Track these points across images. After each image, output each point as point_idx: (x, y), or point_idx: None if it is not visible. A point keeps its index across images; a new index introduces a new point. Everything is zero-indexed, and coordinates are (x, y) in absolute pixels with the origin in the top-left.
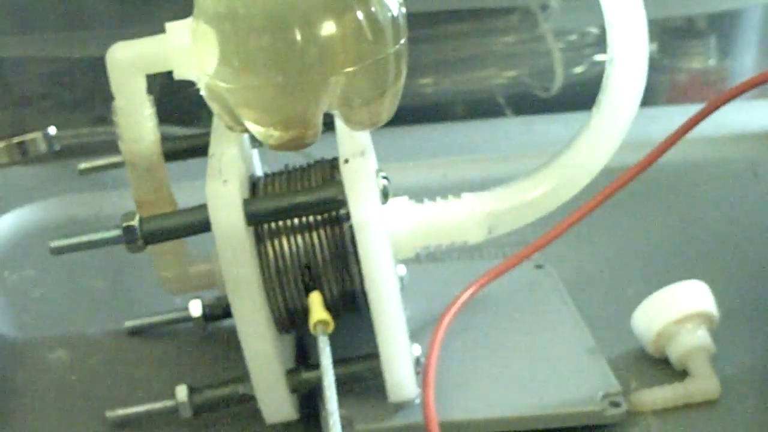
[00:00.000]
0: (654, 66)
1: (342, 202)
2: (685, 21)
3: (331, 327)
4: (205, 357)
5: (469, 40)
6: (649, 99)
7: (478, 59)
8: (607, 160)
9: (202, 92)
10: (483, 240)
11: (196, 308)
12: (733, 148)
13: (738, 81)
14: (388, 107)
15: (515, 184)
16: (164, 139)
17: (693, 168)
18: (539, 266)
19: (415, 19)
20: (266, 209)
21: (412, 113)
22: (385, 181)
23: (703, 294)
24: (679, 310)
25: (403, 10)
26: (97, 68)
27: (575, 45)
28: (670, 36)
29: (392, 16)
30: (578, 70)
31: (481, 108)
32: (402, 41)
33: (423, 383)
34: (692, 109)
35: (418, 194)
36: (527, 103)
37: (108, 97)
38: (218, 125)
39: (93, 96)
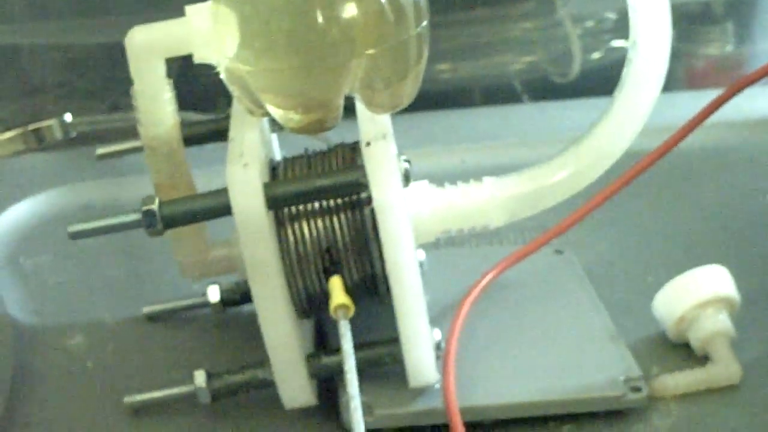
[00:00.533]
0: (672, 52)
1: (364, 186)
2: (702, 6)
3: (352, 311)
4: (223, 342)
5: (486, 26)
6: (666, 85)
7: (495, 45)
8: (629, 144)
9: (222, 75)
10: (504, 224)
11: (214, 294)
12: (754, 133)
13: (756, 66)
14: (409, 90)
15: (536, 168)
16: (184, 123)
17: (713, 153)
18: (559, 252)
19: (432, 5)
20: (287, 193)
21: (430, 99)
22: (406, 165)
23: (724, 278)
24: (700, 294)
25: None
26: (113, 55)
27: (593, 31)
28: (687, 22)
29: None
30: (596, 55)
31: (499, 94)
32: (424, 23)
33: (443, 368)
34: (711, 95)
35: (438, 180)
36: (545, 88)
37: (124, 84)
38: (238, 109)
39: (109, 83)
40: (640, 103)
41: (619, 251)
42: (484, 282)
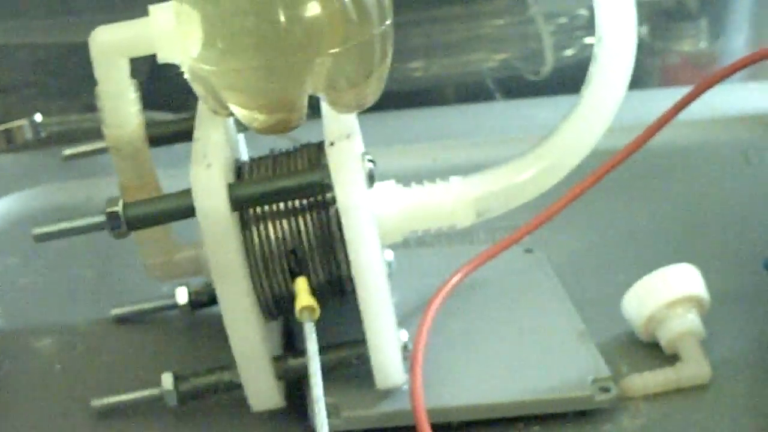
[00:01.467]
0: (644, 49)
1: (328, 186)
2: (675, 3)
3: (318, 313)
4: (191, 344)
5: (458, 23)
6: (639, 82)
7: (467, 42)
8: (596, 142)
9: (186, 75)
10: (471, 224)
11: (182, 295)
12: (725, 130)
13: (729, 63)
14: (374, 89)
15: (504, 167)
16: (149, 124)
17: (683, 151)
18: (529, 250)
19: (403, 3)
20: (251, 194)
21: (402, 97)
22: (371, 165)
23: (693, 278)
24: (669, 293)
25: None
26: (84, 55)
27: (565, 28)
28: (660, 18)
29: None
30: (568, 53)
31: (471, 91)
32: (388, 22)
33: (410, 369)
34: (683, 92)
35: (407, 179)
36: (517, 86)
37: (95, 84)
38: (203, 109)
39: (79, 83)
40: (607, 100)
41: (588, 250)
42: (452, 282)
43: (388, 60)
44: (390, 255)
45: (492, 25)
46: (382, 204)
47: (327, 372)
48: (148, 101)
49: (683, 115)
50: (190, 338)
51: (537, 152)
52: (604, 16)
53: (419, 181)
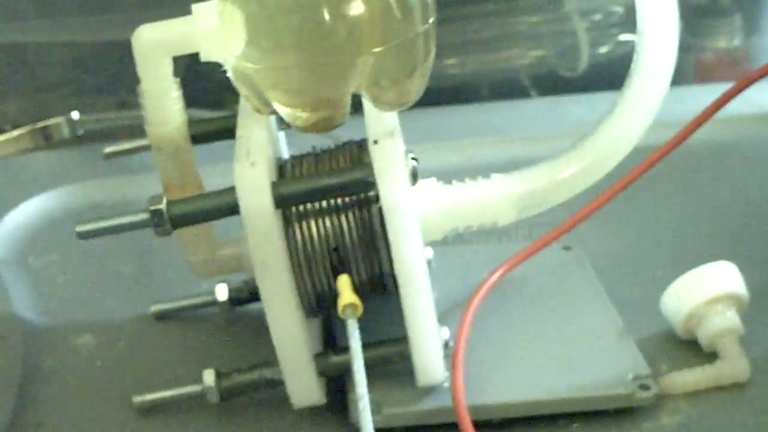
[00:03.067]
0: (679, 46)
1: (371, 184)
2: (709, 0)
3: (360, 310)
4: (231, 341)
5: (494, 20)
6: (675, 79)
7: (503, 39)
8: (638, 139)
9: (229, 74)
10: (513, 221)
11: (222, 292)
12: (763, 127)
13: (764, 59)
14: (416, 87)
15: (545, 164)
16: (191, 122)
17: (722, 148)
18: (567, 248)
19: (437, 1)
20: (295, 192)
21: (438, 94)
22: (414, 163)
23: (732, 275)
24: (708, 291)
25: None
26: (120, 52)
27: (600, 24)
28: (694, 15)
29: None
30: (603, 49)
31: (507, 89)
32: (431, 20)
33: (452, 367)
34: (719, 89)
35: (445, 176)
36: (553, 83)
37: (131, 81)
38: (245, 107)
39: (116, 80)
40: (649, 98)
41: (627, 247)
42: (492, 279)
43: (431, 58)
44: (430, 252)
45: (527, 22)
46: (425, 201)
47: (368, 369)
48: (186, 99)
49: (720, 112)
50: (230, 335)
51: (579, 150)
52: (646, 13)
53: (456, 178)
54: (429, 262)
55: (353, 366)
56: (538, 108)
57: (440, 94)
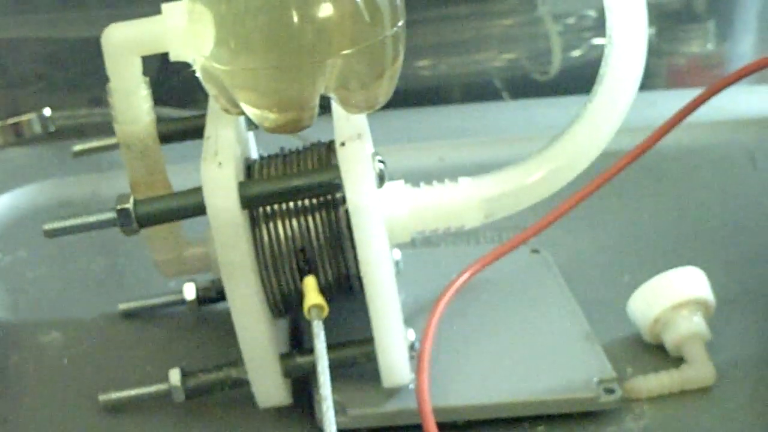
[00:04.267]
0: (652, 50)
1: (338, 186)
2: (683, 4)
3: (326, 311)
4: (198, 340)
5: (467, 23)
6: (647, 83)
7: (475, 42)
8: (605, 144)
9: (198, 74)
10: (479, 225)
11: (190, 291)
12: (732, 133)
13: (737, 65)
14: (385, 90)
15: (513, 168)
16: (160, 120)
17: (691, 153)
18: (535, 251)
19: (412, 1)
20: (262, 193)
21: (409, 96)
22: (381, 165)
23: (699, 280)
24: (675, 296)
25: None
26: (93, 49)
27: (573, 28)
28: (668, 20)
29: None
30: (576, 53)
31: (479, 91)
32: (400, 23)
33: (417, 369)
34: (691, 94)
35: (415, 178)
36: (525, 86)
37: (104, 78)
38: (214, 107)
39: (89, 77)
40: (617, 103)
41: (595, 251)
42: (459, 282)
43: (400, 61)
44: (398, 254)
45: (500, 25)
46: (392, 204)
47: (334, 370)
48: (157, 96)
49: (690, 118)
50: (197, 334)
51: (547, 154)
52: (615, 17)
53: (426, 181)
54: (397, 264)
55: (317, 367)
56: (510, 111)
57: (413, 96)
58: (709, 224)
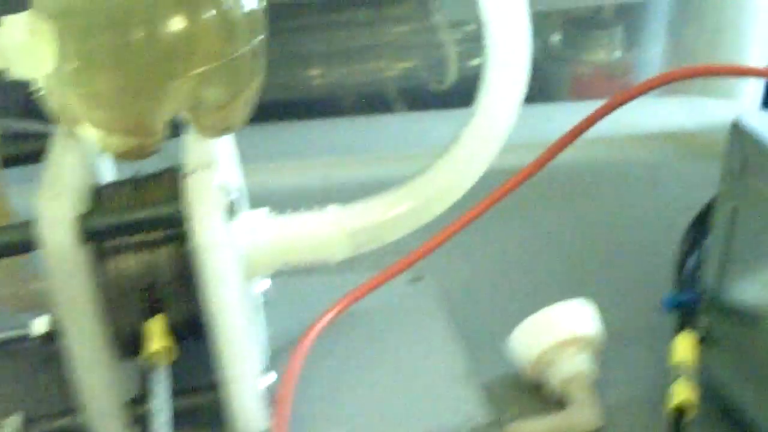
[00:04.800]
0: (556, 58)
1: (184, 220)
2: (589, 11)
3: (173, 355)
4: (48, 379)
5: (359, 30)
6: (549, 94)
7: (369, 50)
8: (484, 170)
9: (41, 93)
10: (348, 256)
11: (40, 325)
12: (633, 149)
13: (645, 73)
14: (241, 111)
15: (383, 198)
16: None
17: (589, 170)
18: (417, 278)
19: (302, 7)
20: (103, 226)
21: (298, 107)
22: (233, 196)
23: (586, 315)
24: (559, 333)
25: (263, 2)
26: None
27: (472, 36)
28: (574, 27)
29: (248, 10)
30: (476, 62)
31: (372, 102)
32: (259, 38)
33: (275, 416)
34: (593, 106)
35: (295, 198)
36: (421, 96)
37: None
38: (59, 129)
39: None
40: (495, 128)
41: (482, 278)
42: (329, 316)
43: (259, 79)
44: (266, 284)
45: (395, 32)
46: (251, 235)
47: (183, 416)
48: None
49: (589, 132)
50: (47, 372)
51: (420, 182)
52: (494, 24)
53: (307, 200)
54: (264, 295)
55: (154, 420)
56: (403, 124)
57: (301, 108)
58: (605, 249)
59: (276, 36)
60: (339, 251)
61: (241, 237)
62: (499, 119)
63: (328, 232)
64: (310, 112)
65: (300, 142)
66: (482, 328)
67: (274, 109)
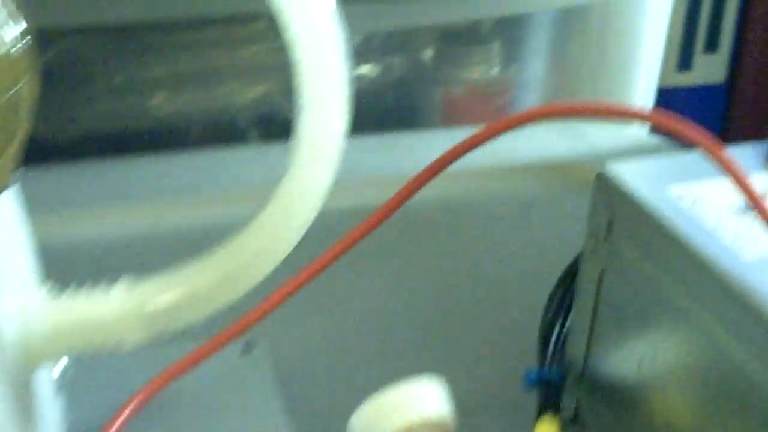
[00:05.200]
0: (428, 78)
1: None
2: (465, 26)
3: None
4: None
5: (208, 51)
6: (421, 118)
7: (218, 73)
8: (306, 227)
9: None
10: (145, 339)
11: None
12: (505, 182)
13: (524, 92)
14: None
15: (185, 269)
16: None
17: (455, 207)
18: (249, 347)
19: (144, 24)
20: None
21: (138, 139)
22: None
23: (435, 396)
24: (401, 419)
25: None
26: None
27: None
28: (449, 42)
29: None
30: None
31: (222, 131)
32: (20, 83)
33: None
34: (467, 133)
35: (114, 250)
36: (278, 125)
37: None
38: None
39: None
40: (315, 176)
41: (326, 344)
42: (139, 398)
43: (23, 132)
44: (63, 362)
45: (249, 52)
46: (25, 322)
47: None
48: None
49: (457, 164)
50: None
51: (226, 250)
52: (307, 74)
53: (137, 248)
54: (64, 374)
55: None
56: (254, 157)
57: (142, 140)
58: (467, 305)
59: (111, 59)
60: (131, 334)
61: (12, 323)
62: (316, 171)
63: (115, 314)
64: (153, 144)
65: (130, 181)
66: (323, 407)
67: (105, 143)
